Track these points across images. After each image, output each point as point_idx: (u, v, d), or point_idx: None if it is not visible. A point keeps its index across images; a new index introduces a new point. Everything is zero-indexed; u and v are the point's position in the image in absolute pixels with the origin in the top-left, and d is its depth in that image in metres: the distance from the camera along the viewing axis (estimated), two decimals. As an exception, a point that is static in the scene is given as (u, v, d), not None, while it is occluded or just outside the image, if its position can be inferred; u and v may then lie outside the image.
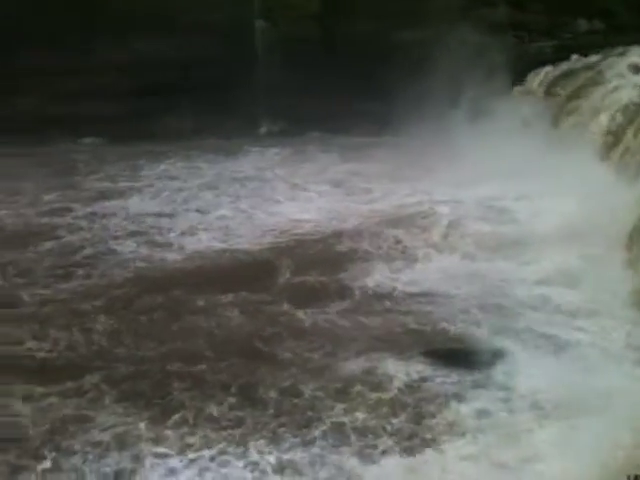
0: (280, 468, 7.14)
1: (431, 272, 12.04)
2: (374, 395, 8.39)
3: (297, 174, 18.60)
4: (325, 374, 8.89)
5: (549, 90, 19.79)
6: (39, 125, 20.99)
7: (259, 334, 9.93)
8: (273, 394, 8.40)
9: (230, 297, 10.99)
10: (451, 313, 10.53)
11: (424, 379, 8.76)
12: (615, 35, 20.73)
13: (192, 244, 13.65)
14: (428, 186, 16.36)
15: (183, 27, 21.96)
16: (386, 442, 7.56)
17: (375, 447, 7.48)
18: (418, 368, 8.99)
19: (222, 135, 21.53)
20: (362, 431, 7.73)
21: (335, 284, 11.58)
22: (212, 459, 7.28)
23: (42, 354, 9.30)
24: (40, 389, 8.34)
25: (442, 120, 18.00)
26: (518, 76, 20.48)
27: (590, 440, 6.72)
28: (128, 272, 12.17)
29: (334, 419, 7.93)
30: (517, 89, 20.57)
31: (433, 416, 7.97)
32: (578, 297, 10.79)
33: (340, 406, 8.16)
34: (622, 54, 18.97)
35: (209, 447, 7.42)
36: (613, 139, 15.47)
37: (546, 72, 20.64)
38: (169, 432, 7.64)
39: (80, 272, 12.11)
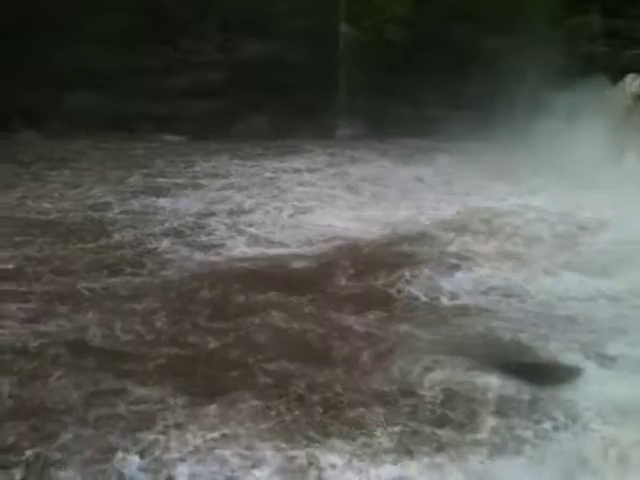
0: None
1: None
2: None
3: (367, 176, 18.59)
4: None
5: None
6: (131, 122, 21.92)
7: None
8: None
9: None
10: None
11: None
12: None
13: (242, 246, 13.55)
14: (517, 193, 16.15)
15: (274, 30, 22.42)
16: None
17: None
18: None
19: (298, 136, 21.84)
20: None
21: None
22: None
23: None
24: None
25: (531, 127, 17.74)
26: (610, 84, 19.90)
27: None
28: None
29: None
30: (608, 95, 20.00)
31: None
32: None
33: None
34: None
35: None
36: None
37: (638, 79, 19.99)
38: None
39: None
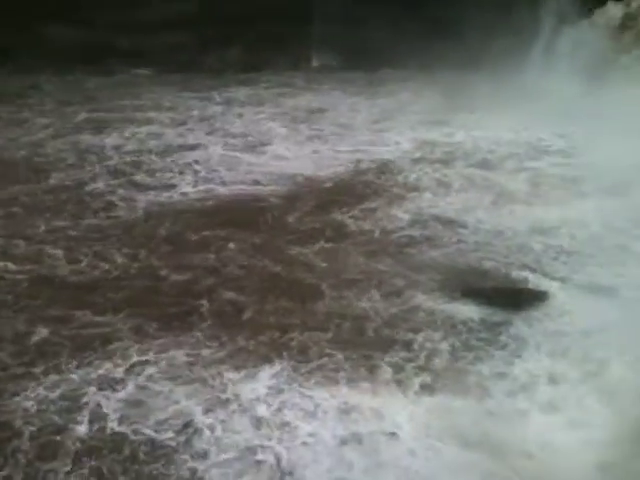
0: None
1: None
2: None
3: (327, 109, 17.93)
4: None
5: (620, 27, 18.83)
6: (100, 55, 21.32)
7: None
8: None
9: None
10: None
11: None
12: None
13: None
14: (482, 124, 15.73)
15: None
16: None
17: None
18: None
19: (271, 68, 21.35)
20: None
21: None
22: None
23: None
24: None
25: (512, 57, 17.34)
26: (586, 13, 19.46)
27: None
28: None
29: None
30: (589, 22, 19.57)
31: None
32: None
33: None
34: None
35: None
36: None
37: (616, 8, 19.58)
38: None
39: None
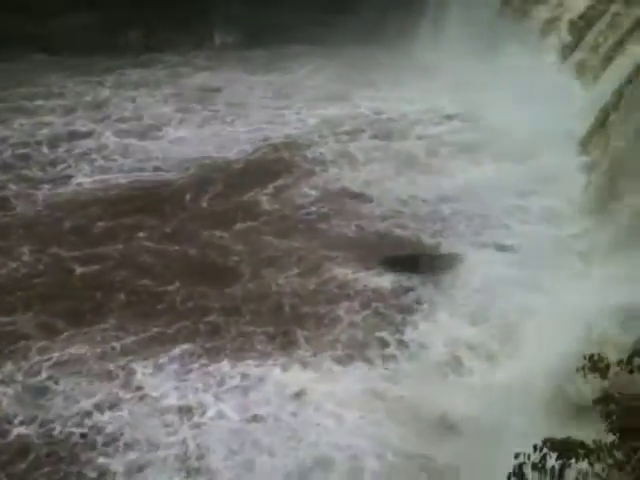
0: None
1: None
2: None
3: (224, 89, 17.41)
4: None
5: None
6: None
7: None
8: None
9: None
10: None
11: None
12: None
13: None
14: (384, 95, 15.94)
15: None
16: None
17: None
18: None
19: (177, 48, 20.78)
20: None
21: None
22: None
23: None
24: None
25: (406, 31, 17.50)
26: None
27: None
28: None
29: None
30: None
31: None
32: (540, 201, 10.82)
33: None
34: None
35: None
36: (574, 39, 15.21)
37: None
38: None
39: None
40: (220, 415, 6.72)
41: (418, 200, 11.09)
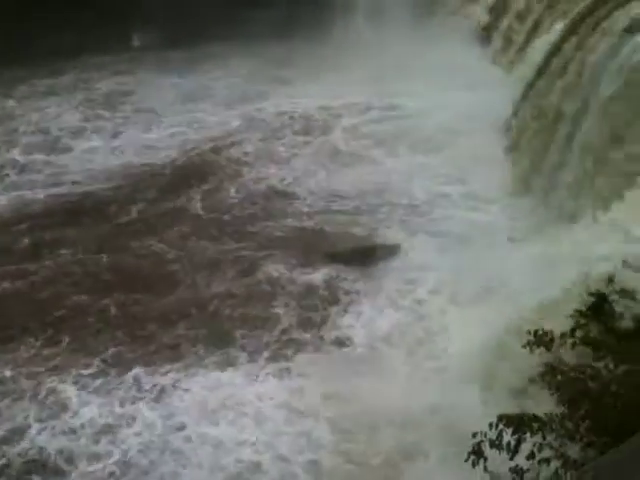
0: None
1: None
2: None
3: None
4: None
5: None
6: None
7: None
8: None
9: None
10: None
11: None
12: None
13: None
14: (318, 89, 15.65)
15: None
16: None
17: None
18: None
19: (95, 52, 20.17)
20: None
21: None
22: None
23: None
24: None
25: (337, 24, 17.52)
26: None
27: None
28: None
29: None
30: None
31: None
32: (464, 187, 11.00)
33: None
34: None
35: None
36: (491, 25, 15.57)
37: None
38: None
39: None
40: (147, 425, 6.67)
41: (344, 194, 11.13)
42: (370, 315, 8.18)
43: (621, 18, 9.62)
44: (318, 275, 9.04)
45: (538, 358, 4.57)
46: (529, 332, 4.42)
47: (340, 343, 7.77)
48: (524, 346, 4.42)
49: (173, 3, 20.30)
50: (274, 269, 9.20)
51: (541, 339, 4.37)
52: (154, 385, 7.13)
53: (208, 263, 9.47)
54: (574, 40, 10.87)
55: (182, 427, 6.64)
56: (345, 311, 8.26)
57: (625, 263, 5.64)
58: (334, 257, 9.54)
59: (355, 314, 8.19)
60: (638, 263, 5.59)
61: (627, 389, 4.06)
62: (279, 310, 8.34)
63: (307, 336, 7.86)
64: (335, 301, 8.49)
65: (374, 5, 17.45)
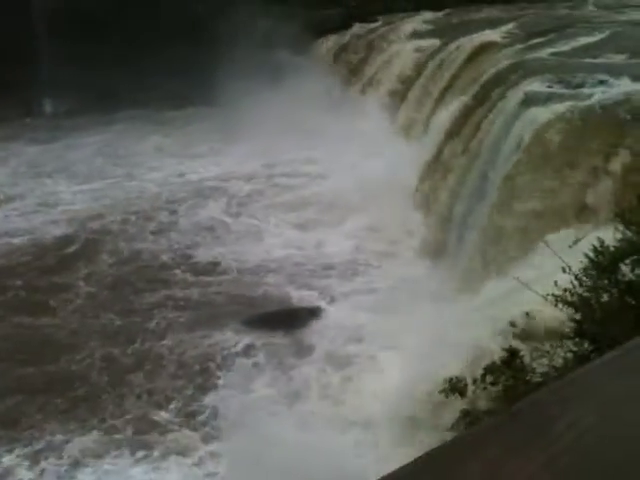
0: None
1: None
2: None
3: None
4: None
5: (337, 57, 20.57)
6: None
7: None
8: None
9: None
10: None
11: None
12: (394, 1, 21.91)
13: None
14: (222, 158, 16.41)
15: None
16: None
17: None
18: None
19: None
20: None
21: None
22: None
23: None
24: None
25: (240, 90, 17.98)
26: (309, 44, 20.94)
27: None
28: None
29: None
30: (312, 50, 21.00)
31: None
32: (378, 247, 11.55)
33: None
34: (402, 19, 20.27)
35: None
36: (396, 102, 16.49)
37: (333, 39, 21.32)
38: None
39: None
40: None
41: (234, 265, 11.50)
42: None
43: (515, 95, 10.54)
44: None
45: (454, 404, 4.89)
46: (444, 380, 4.75)
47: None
48: (440, 392, 4.73)
49: (82, 67, 20.11)
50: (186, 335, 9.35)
51: (455, 386, 4.70)
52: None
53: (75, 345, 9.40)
54: (472, 117, 11.78)
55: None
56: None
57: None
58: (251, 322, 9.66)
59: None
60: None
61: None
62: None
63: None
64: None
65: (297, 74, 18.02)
